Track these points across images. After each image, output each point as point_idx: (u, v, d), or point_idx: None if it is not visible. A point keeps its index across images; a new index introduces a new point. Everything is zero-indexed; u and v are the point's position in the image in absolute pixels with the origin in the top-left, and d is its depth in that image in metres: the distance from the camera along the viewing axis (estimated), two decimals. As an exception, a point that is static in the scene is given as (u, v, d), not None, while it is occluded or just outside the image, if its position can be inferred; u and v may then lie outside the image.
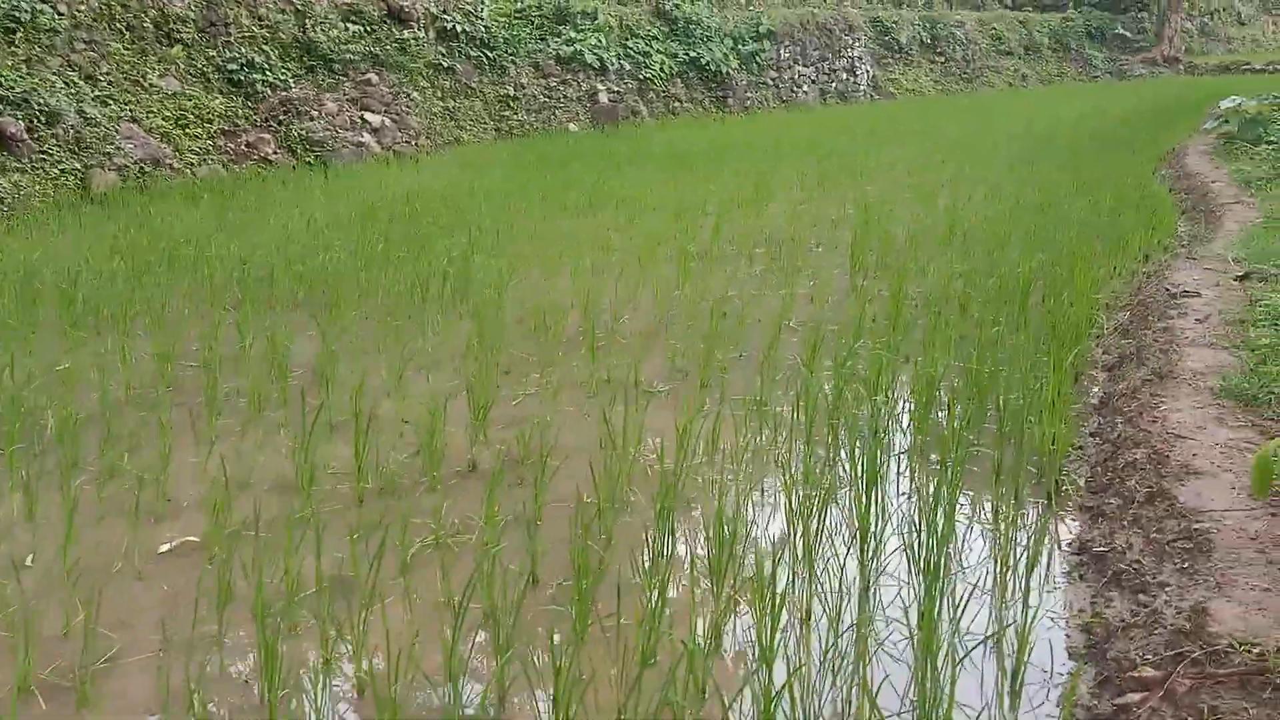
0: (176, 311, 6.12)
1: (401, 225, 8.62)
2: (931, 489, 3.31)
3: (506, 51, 18.51)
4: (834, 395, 4.22)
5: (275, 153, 14.67)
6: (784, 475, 3.64)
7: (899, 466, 3.86)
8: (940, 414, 4.19)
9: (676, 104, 21.68)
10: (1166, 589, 2.58)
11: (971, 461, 3.80)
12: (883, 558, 3.09)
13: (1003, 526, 3.31)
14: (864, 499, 3.18)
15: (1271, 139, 10.79)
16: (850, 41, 25.80)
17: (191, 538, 3.42)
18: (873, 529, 3.16)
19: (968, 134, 15.67)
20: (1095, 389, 4.64)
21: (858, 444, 3.75)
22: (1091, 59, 32.51)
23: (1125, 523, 3.03)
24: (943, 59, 28.58)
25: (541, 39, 19.24)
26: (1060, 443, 3.73)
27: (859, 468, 3.45)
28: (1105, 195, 9.11)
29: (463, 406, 4.42)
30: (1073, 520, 3.38)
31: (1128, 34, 33.66)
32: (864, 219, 8.63)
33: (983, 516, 3.46)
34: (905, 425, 4.26)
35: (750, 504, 3.57)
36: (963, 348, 5.25)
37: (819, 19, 25.26)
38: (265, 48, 15.35)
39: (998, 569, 3.05)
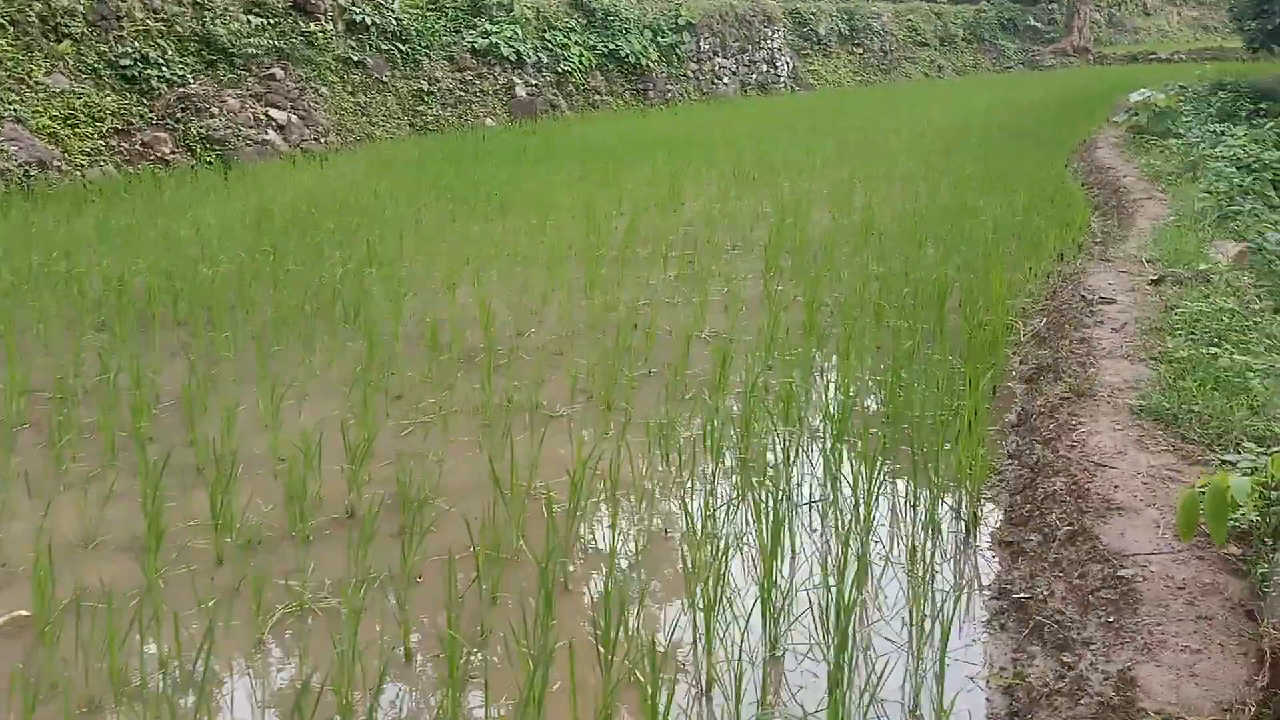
0: (41, 336, 5.62)
1: (298, 232, 8.16)
2: (844, 528, 3.07)
3: (420, 44, 17.95)
4: (742, 425, 3.96)
5: (173, 152, 13.98)
6: (686, 519, 3.36)
7: (809, 506, 3.61)
8: (855, 441, 3.95)
9: (596, 97, 21.33)
10: (1091, 647, 2.37)
11: (886, 493, 3.59)
12: (791, 614, 2.83)
13: (919, 570, 3.09)
14: (769, 546, 2.92)
15: (1179, 132, 10.89)
16: (769, 33, 25.72)
17: (22, 611, 3.02)
18: (779, 580, 2.91)
19: (884, 127, 15.63)
20: (1014, 405, 4.47)
21: (767, 481, 3.49)
22: (1004, 50, 33.01)
23: (1046, 564, 2.82)
24: (861, 50, 28.70)
25: (456, 31, 18.71)
26: (977, 469, 3.53)
27: (764, 511, 3.20)
28: (1019, 191, 9.05)
29: (345, 440, 4.07)
30: (993, 557, 3.17)
31: (1039, 25, 34.25)
32: (780, 220, 8.42)
33: (898, 556, 3.23)
34: (814, 458, 3.99)
35: (649, 555, 3.29)
36: (880, 360, 5.06)
37: (738, 10, 25.11)
38: (161, 42, 14.60)
39: (914, 618, 2.82)
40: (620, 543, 3.32)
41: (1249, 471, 3.04)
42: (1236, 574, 2.53)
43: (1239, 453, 3.30)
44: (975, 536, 3.29)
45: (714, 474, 3.73)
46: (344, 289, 6.23)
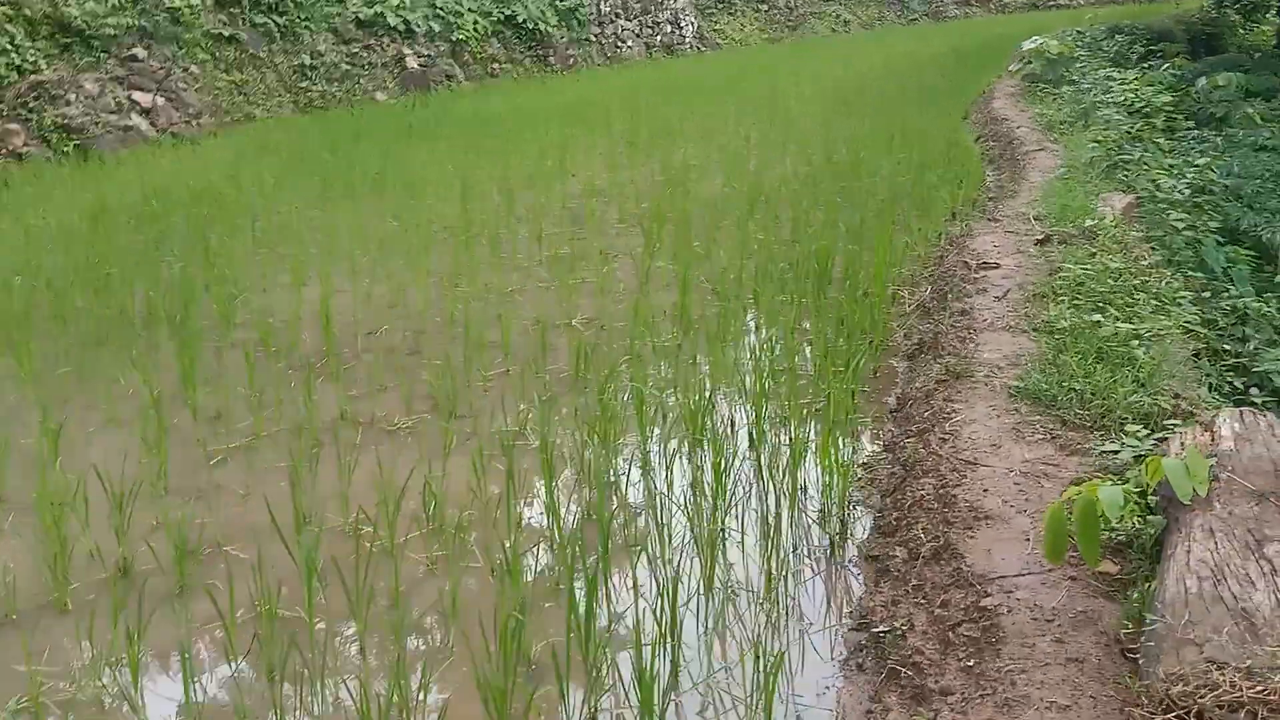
0: None
1: (143, 229, 7.47)
2: (686, 562, 2.66)
3: (299, 16, 16.97)
4: (581, 444, 3.51)
5: (27, 145, 12.99)
6: (503, 558, 2.87)
7: (647, 540, 3.13)
8: (705, 449, 3.51)
9: (495, 65, 20.54)
10: (949, 700, 2.00)
11: (743, 503, 3.19)
12: (607, 666, 2.42)
13: (777, 596, 2.69)
14: (589, 588, 2.49)
15: (1072, 79, 10.68)
16: (671, -8, 25.14)
17: None
18: (601, 634, 2.49)
19: (785, 86, 15.24)
20: (894, 387, 4.11)
21: (601, 505, 3.06)
22: (908, 2, 32.88)
23: (910, 588, 2.45)
24: (766, 7, 28.27)
25: (339, 1, 17.75)
26: (844, 471, 3.14)
27: (575, 554, 2.76)
28: (915, 149, 8.73)
29: (131, 480, 3.54)
30: (858, 576, 2.80)
31: (942, -25, 34.13)
32: (669, 189, 7.98)
33: (752, 581, 2.83)
34: (666, 475, 3.52)
35: (463, 605, 2.81)
36: (751, 345, 4.66)
37: (638, -30, 24.45)
38: (9, 27, 13.52)
39: (761, 664, 2.42)
40: (426, 593, 2.88)
41: (1128, 466, 2.71)
42: (1113, 597, 2.19)
43: (1122, 435, 2.97)
44: (841, 551, 2.91)
45: (548, 493, 3.26)
46: (171, 294, 5.62)
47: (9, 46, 13.19)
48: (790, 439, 3.37)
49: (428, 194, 8.47)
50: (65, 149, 12.97)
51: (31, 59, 13.23)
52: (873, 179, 7.66)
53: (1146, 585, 2.08)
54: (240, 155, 11.86)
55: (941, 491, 2.73)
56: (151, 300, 5.57)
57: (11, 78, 13.12)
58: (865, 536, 2.94)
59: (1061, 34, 16.49)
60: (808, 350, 4.43)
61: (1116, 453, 2.75)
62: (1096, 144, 7.11)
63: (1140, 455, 2.74)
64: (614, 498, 3.31)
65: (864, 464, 3.41)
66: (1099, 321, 3.64)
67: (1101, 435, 2.99)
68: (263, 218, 7.77)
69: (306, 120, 15.40)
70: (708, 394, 3.71)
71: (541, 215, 7.55)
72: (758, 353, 4.27)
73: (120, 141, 13.58)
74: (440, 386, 4.37)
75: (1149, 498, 2.35)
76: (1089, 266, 4.32)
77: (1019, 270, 4.65)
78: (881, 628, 2.36)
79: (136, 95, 14.26)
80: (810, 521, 3.09)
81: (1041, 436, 3.00)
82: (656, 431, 3.68)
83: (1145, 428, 3.02)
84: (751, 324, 4.97)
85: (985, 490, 2.69)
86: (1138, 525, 2.31)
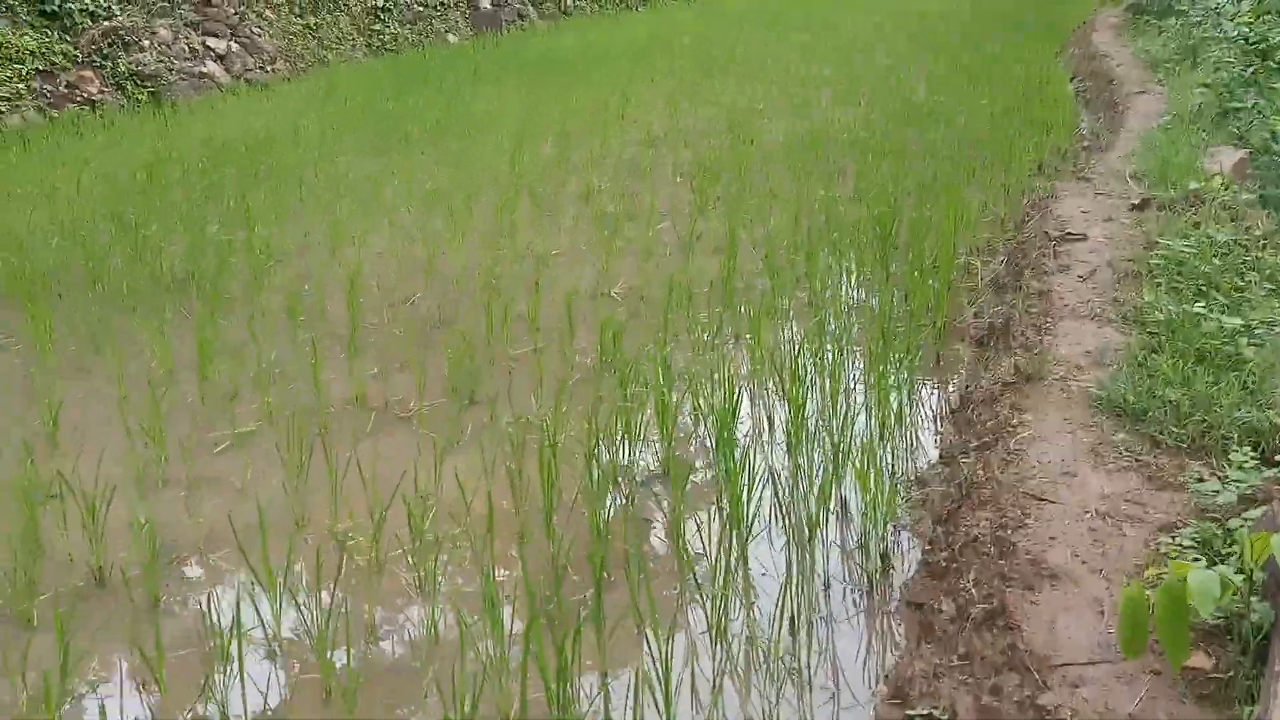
0: None
1: (192, 183, 7.30)
2: (709, 611, 2.31)
3: (372, -45, 16.64)
4: (592, 435, 3.15)
5: (101, 92, 13.01)
6: (487, 601, 2.54)
7: (667, 570, 2.78)
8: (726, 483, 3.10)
9: (568, 1, 19.98)
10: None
11: (769, 532, 2.81)
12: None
13: (797, 657, 2.33)
14: (566, 655, 2.16)
15: (1182, 8, 9.67)
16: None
17: None
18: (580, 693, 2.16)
19: (865, 18, 14.40)
20: (957, 379, 3.64)
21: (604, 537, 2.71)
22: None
23: (956, 658, 2.06)
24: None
25: (413, -62, 17.33)
26: (889, 498, 2.73)
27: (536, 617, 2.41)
28: (1001, 88, 8.03)
29: (126, 469, 3.33)
30: (898, 628, 2.40)
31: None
32: (729, 139, 7.49)
33: (769, 633, 2.45)
34: (696, 502, 3.14)
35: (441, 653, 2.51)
36: (802, 321, 4.22)
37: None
38: (79, -29, 13.51)
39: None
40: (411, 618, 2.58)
41: (1232, 510, 2.25)
42: (1205, 701, 1.77)
43: (1226, 465, 2.50)
44: (879, 593, 2.52)
45: (546, 512, 2.92)
46: (205, 256, 5.41)
47: (82, -9, 13.18)
48: (832, 445, 2.96)
49: (485, 143, 8.12)
50: (140, 96, 12.95)
51: (104, 5, 13.17)
52: (951, 126, 7.04)
53: (1248, 691, 1.65)
54: (309, 102, 11.66)
55: (1000, 534, 2.31)
56: (184, 263, 5.37)
57: (85, 24, 13.11)
58: (910, 575, 2.54)
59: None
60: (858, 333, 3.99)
61: (1216, 494, 2.29)
62: (1205, 88, 6.34)
63: (1247, 494, 2.27)
64: (618, 522, 2.96)
65: (916, 479, 2.99)
66: (1200, 314, 3.12)
67: (1201, 461, 2.51)
68: (316, 170, 7.53)
69: (379, 64, 15.15)
70: (736, 393, 3.30)
71: (596, 166, 7.14)
72: (798, 342, 3.83)
73: (194, 88, 13.51)
74: (467, 367, 4.06)
75: (1254, 575, 1.91)
76: (1191, 240, 3.76)
77: (1109, 243, 4.09)
78: (919, 709, 1.98)
79: (211, 41, 14.15)
80: (845, 552, 2.70)
81: (1125, 463, 2.54)
82: (662, 445, 3.29)
83: (1255, 451, 2.54)
84: (802, 298, 4.53)
85: (1052, 538, 2.26)
86: (1238, 606, 1.88)
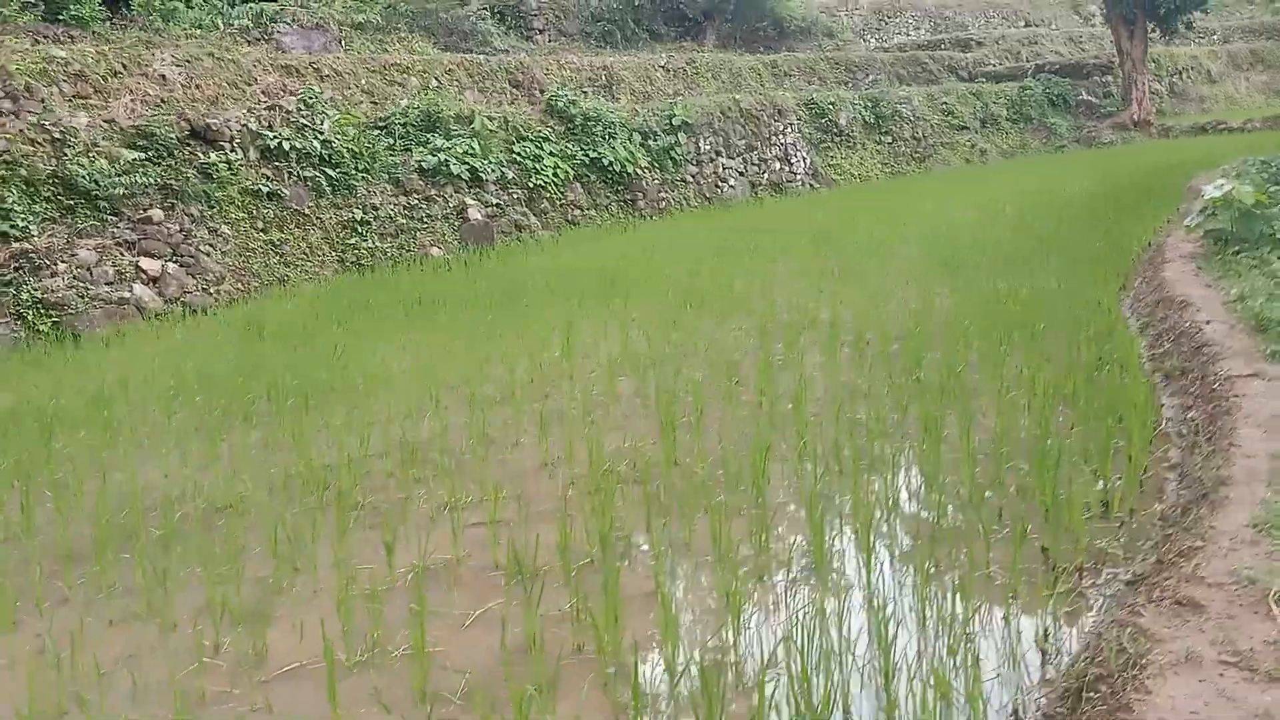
0: None
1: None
2: None
3: (356, 168, 15.38)
4: None
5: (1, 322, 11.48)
6: None
7: None
8: None
9: (576, 212, 18.55)
10: None
11: None
12: None
13: None
14: None
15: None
16: (781, 127, 22.92)
17: None
18: None
19: (887, 237, 12.44)
20: None
21: None
22: (1055, 128, 29.70)
23: None
24: (890, 139, 25.69)
25: (405, 149, 16.13)
26: None
27: None
28: (1049, 353, 5.74)
29: None
30: None
31: (1094, 99, 30.88)
32: (685, 420, 5.28)
33: None
34: None
35: None
36: None
37: (743, 105, 22.37)
38: (0, 189, 12.19)
39: None
40: None
41: None
42: None
43: None
44: None
45: None
46: None
47: (-1, 210, 11.81)
48: None
49: (370, 409, 6.02)
50: (41, 327, 11.38)
51: (23, 224, 11.81)
52: (966, 431, 4.71)
53: None
54: (216, 338, 9.90)
55: None
56: None
57: (-8, 246, 11.72)
58: None
59: (1243, 164, 13.15)
60: None
61: None
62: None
63: None
64: None
65: None
66: None
67: None
68: (74, 469, 5.45)
69: (342, 282, 13.55)
70: None
71: (505, 445, 4.92)
72: None
73: (110, 316, 11.93)
74: None
75: None
76: None
77: None
78: None
79: (145, 262, 12.68)
80: None
81: None
82: None
83: None
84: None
85: None
86: None
